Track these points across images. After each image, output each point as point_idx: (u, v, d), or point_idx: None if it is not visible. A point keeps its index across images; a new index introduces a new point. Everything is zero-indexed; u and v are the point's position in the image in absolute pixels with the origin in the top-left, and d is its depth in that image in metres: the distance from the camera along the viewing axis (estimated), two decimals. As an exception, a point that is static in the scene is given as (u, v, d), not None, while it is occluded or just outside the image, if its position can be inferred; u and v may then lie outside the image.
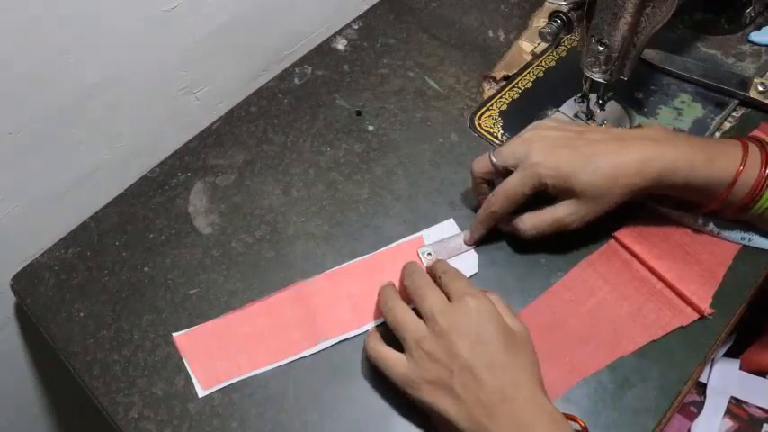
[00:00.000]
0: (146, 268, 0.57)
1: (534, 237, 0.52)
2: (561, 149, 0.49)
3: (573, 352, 0.50)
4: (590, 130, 0.51)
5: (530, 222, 0.52)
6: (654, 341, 0.50)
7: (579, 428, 0.45)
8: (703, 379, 0.63)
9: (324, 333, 0.52)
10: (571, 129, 0.52)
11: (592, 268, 0.54)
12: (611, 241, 0.55)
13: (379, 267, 0.55)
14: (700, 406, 0.62)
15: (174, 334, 0.53)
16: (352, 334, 0.52)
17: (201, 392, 0.50)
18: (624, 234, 0.55)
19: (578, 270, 0.54)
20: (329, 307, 0.49)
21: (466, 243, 0.55)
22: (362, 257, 0.56)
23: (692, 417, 0.62)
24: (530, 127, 0.53)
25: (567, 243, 0.55)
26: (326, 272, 0.55)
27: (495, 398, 0.41)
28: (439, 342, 0.43)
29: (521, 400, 0.41)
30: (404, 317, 0.46)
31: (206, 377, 0.51)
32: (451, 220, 0.58)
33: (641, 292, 0.52)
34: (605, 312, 0.52)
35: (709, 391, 0.62)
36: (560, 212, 0.50)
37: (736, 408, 0.61)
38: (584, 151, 0.49)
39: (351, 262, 0.56)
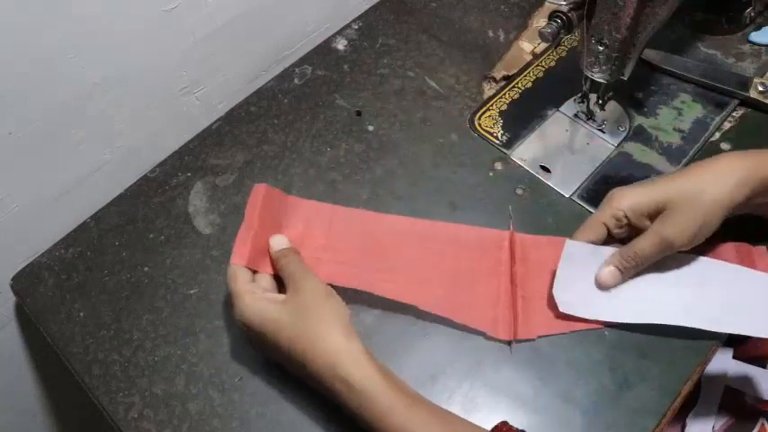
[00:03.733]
0: (146, 268, 0.57)
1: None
2: None
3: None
4: None
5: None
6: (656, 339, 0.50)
7: None
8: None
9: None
10: None
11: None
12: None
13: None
14: (695, 397, 0.62)
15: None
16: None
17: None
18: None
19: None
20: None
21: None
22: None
23: (687, 408, 0.62)
24: None
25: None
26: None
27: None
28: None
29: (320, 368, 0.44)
30: None
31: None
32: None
33: None
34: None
35: (703, 380, 0.63)
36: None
37: (731, 400, 0.61)
38: None
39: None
